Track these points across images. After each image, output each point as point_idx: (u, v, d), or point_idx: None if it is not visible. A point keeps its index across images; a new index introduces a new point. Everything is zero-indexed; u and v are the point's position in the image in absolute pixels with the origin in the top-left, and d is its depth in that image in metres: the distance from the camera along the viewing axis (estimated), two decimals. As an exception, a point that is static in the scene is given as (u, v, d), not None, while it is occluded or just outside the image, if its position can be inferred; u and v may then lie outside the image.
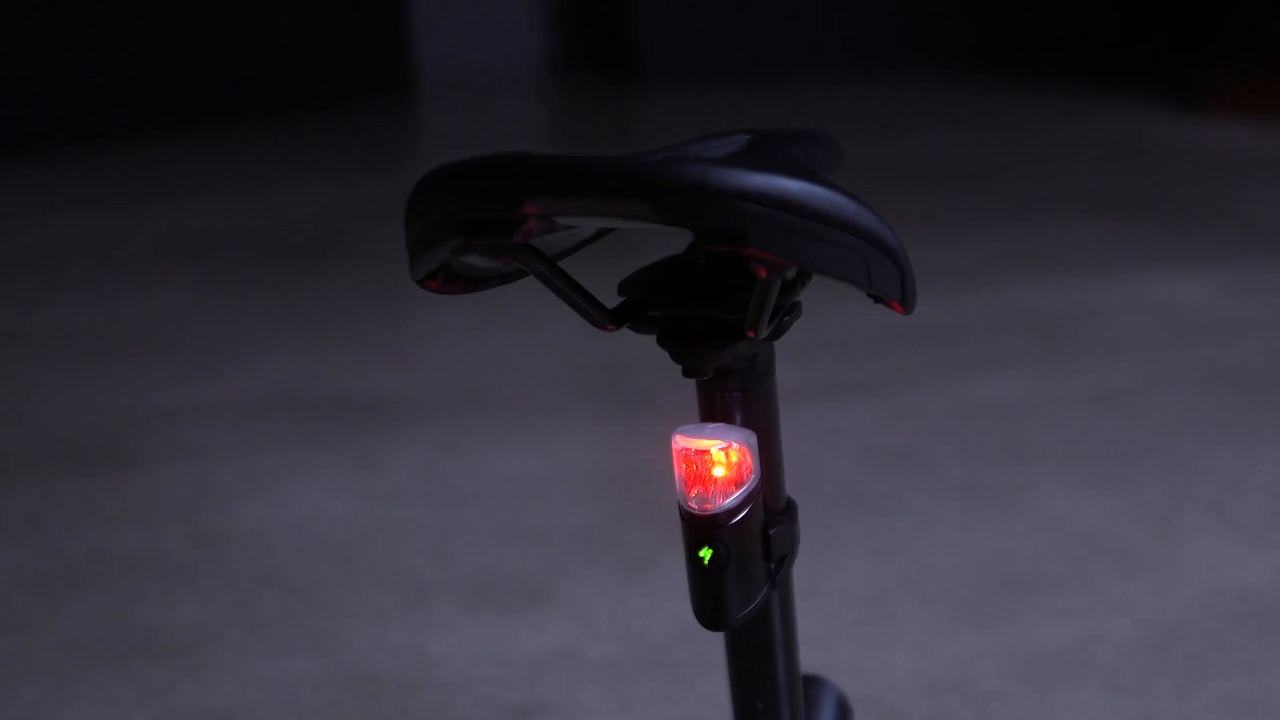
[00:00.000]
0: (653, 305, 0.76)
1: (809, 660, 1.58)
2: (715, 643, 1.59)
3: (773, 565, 0.83)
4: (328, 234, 3.80)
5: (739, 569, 0.80)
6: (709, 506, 0.78)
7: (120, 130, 5.22)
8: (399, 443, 2.24)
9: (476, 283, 0.77)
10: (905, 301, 0.70)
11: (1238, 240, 3.55)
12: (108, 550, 1.87)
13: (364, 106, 6.17)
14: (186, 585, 1.77)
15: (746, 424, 0.80)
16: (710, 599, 0.81)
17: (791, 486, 2.11)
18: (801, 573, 1.78)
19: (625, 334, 2.48)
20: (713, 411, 0.80)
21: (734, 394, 0.80)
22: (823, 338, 2.75)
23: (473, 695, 1.52)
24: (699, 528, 0.79)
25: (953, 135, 5.36)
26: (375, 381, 2.56)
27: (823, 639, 1.62)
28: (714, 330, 0.75)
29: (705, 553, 0.79)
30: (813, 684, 1.08)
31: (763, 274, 0.66)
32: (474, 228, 0.67)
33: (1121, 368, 2.57)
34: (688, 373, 0.77)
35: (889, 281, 0.69)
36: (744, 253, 0.64)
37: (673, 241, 0.90)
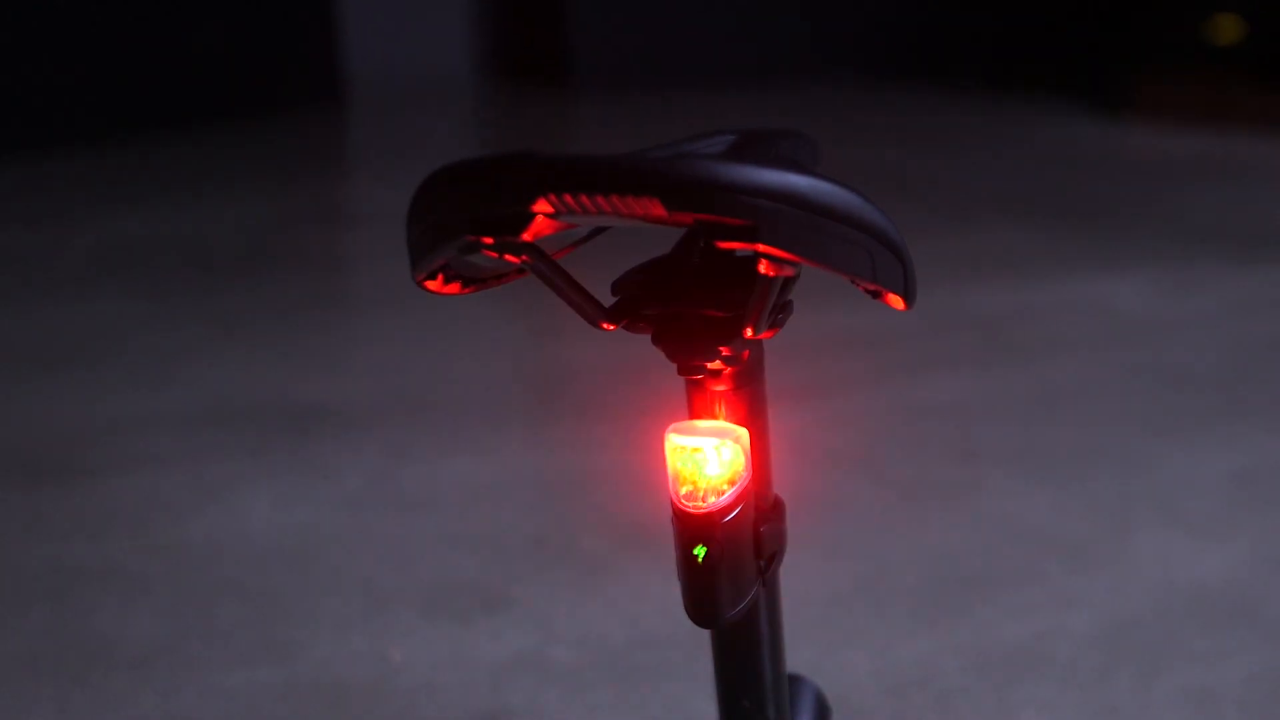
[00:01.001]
0: (648, 304, 0.76)
1: (770, 660, 1.58)
2: (675, 647, 1.60)
3: (762, 563, 0.83)
4: (260, 243, 3.77)
5: (731, 567, 0.80)
6: (703, 504, 0.78)
7: (46, 141, 5.16)
8: (347, 451, 2.23)
9: (473, 282, 0.77)
10: (907, 295, 0.71)
11: (1166, 242, 3.60)
12: (60, 562, 1.85)
13: (294, 115, 6.13)
14: (142, 596, 1.76)
15: (737, 422, 0.80)
16: (704, 596, 0.81)
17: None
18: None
19: (568, 340, 2.51)
20: (704, 409, 0.80)
21: (725, 392, 0.80)
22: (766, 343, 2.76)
23: (437, 701, 1.51)
24: (693, 526, 0.79)
25: (883, 141, 5.40)
26: (318, 390, 2.55)
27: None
28: (709, 329, 0.75)
29: (700, 550, 0.79)
30: (792, 682, 1.08)
31: (768, 270, 0.67)
32: (483, 225, 0.67)
33: (1062, 367, 2.61)
34: (683, 370, 0.77)
35: (892, 276, 0.69)
36: (754, 248, 0.64)
37: (659, 242, 0.91)
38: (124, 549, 1.89)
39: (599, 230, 0.78)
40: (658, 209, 0.63)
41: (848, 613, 1.69)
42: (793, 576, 1.77)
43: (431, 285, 0.76)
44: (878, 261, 0.68)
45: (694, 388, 0.80)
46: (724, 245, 0.64)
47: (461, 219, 0.67)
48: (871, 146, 5.21)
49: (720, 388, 0.79)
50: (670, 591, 1.72)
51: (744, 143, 0.79)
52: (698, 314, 0.75)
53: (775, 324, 0.75)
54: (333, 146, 5.85)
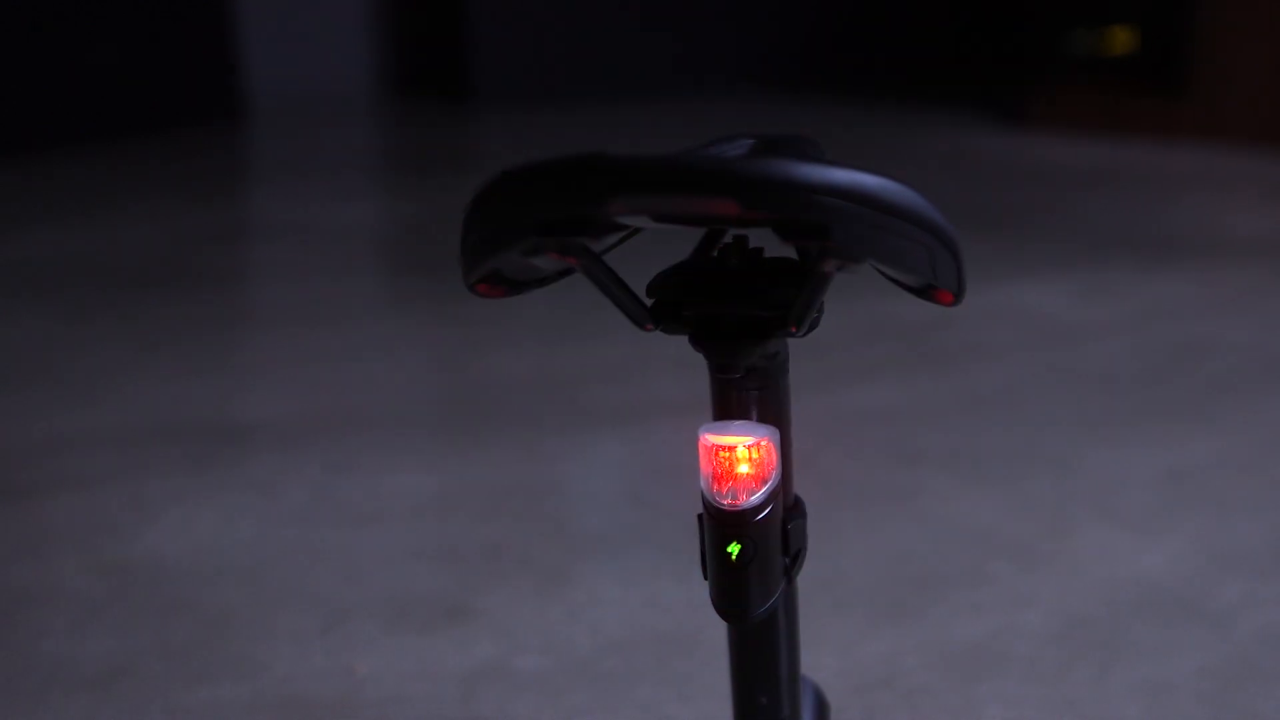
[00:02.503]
0: (686, 305, 0.77)
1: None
2: (643, 653, 1.61)
3: (787, 560, 0.85)
4: (172, 261, 3.73)
5: (762, 564, 0.82)
6: (738, 502, 0.80)
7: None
8: (287, 466, 2.22)
9: (519, 286, 0.78)
10: (959, 290, 0.73)
11: (1075, 248, 3.68)
12: (5, 584, 1.82)
13: (193, 132, 6.07)
14: (93, 617, 1.73)
15: (767, 420, 0.82)
16: (735, 593, 0.82)
17: (686, 498, 2.14)
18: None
19: (504, 352, 2.51)
20: (735, 409, 0.82)
21: (756, 391, 0.82)
22: (690, 354, 2.78)
23: (407, 713, 1.51)
24: (728, 523, 0.81)
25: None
26: (252, 407, 2.53)
27: (746, 643, 1.64)
28: (747, 328, 0.77)
29: (734, 548, 0.81)
30: (791, 679, 1.10)
31: (829, 269, 0.68)
32: (554, 227, 0.68)
33: (987, 372, 2.65)
34: (722, 370, 0.79)
35: (948, 273, 0.71)
36: (825, 245, 0.66)
37: (659, 244, 0.92)
38: (69, 570, 1.87)
39: (634, 233, 0.79)
40: (732, 209, 0.65)
41: (810, 613, 1.70)
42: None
43: (482, 288, 0.76)
44: (937, 259, 0.70)
45: (725, 388, 0.82)
46: (793, 243, 0.66)
47: (531, 220, 0.68)
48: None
49: (751, 388, 0.81)
50: (631, 597, 1.73)
51: (764, 147, 0.81)
52: (739, 314, 0.76)
53: (814, 324, 0.77)
54: (235, 163, 5.79)
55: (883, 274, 0.74)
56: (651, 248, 0.99)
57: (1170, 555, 1.86)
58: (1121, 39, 5.88)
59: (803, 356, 2.86)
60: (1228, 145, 5.24)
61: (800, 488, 2.09)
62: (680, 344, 2.45)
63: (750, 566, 0.81)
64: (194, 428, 2.40)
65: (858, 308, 3.03)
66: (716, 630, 1.66)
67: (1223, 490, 2.08)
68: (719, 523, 0.81)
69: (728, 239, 0.81)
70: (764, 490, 0.80)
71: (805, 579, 1.80)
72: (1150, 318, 3.03)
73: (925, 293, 0.75)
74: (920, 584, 1.79)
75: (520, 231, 0.69)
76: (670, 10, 7.25)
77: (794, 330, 0.75)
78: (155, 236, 4.04)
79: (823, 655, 1.61)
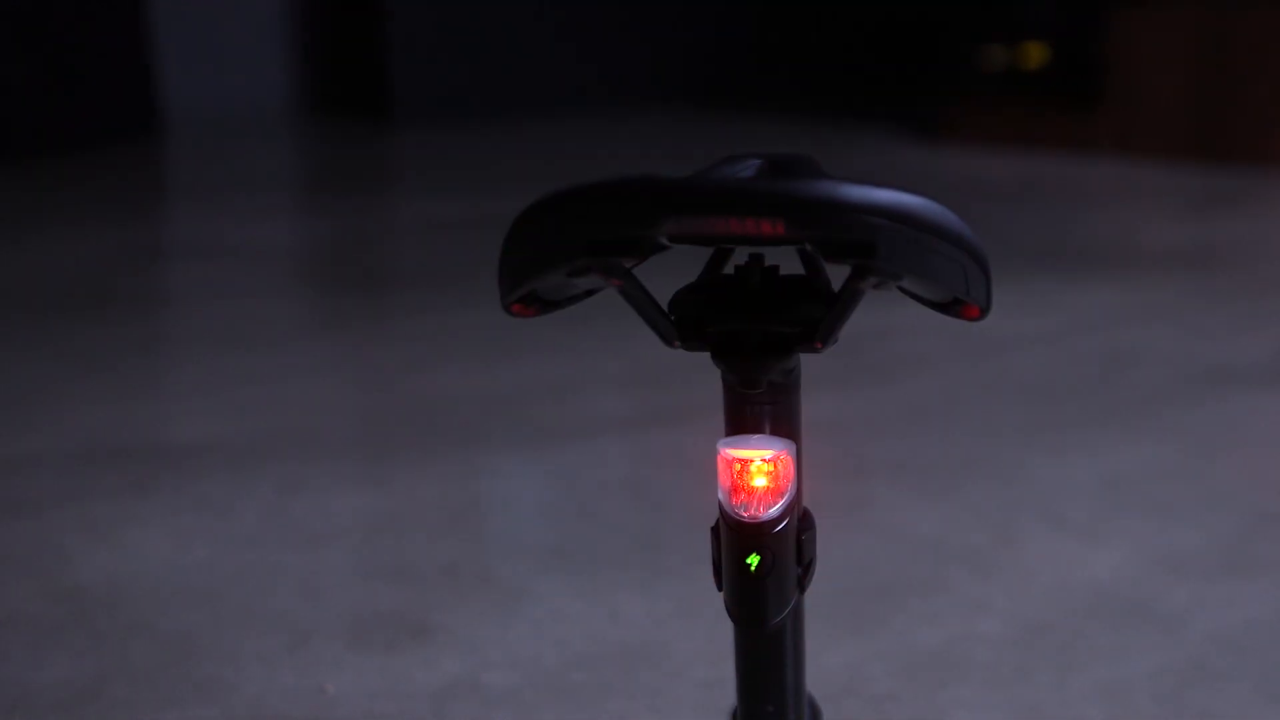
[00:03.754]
0: (712, 322, 0.79)
1: (699, 676, 1.63)
2: (610, 666, 1.63)
3: (800, 570, 0.87)
4: (97, 283, 3.69)
5: (779, 575, 0.84)
6: (759, 515, 0.82)
7: None
8: (237, 487, 2.21)
9: (551, 305, 0.79)
10: (988, 306, 0.76)
11: (997, 262, 3.73)
12: (-43, 611, 1.80)
13: (109, 151, 6.00)
14: (51, 642, 1.72)
15: (782, 434, 0.84)
16: (753, 604, 0.84)
17: (637, 511, 2.15)
18: (676, 594, 1.84)
19: (444, 371, 2.51)
20: (754, 423, 0.84)
21: (772, 406, 0.84)
22: (629, 370, 2.81)
23: (380, 731, 1.51)
24: (748, 535, 0.83)
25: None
26: (195, 428, 2.51)
27: (711, 654, 1.66)
28: (772, 344, 0.79)
29: (753, 559, 0.83)
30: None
31: (865, 286, 0.71)
32: (604, 248, 0.69)
33: (924, 385, 2.70)
34: (746, 384, 0.81)
35: (979, 288, 0.74)
36: (870, 263, 0.68)
37: (665, 265, 0.94)
38: (22, 595, 1.85)
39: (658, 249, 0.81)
40: (780, 229, 0.67)
41: (769, 626, 1.73)
42: (709, 592, 1.81)
43: (516, 308, 0.78)
44: (970, 276, 0.73)
45: (743, 402, 0.83)
46: (838, 261, 0.68)
47: (583, 241, 0.70)
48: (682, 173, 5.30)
49: (769, 402, 0.83)
50: (594, 612, 1.75)
51: (771, 167, 0.83)
52: (765, 330, 0.78)
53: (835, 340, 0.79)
54: (153, 182, 5.74)
55: (905, 291, 0.76)
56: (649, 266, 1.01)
57: (1117, 560, 1.91)
58: (1035, 55, 5.98)
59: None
60: (1141, 159, 5.35)
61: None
62: (619, 361, 2.49)
63: (769, 577, 0.83)
64: (136, 450, 2.38)
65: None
66: (682, 643, 1.69)
67: (1162, 496, 2.13)
68: (738, 535, 0.83)
69: (740, 257, 0.83)
70: (782, 503, 0.83)
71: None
72: (1078, 328, 3.09)
73: (950, 308, 0.77)
74: (878, 593, 1.82)
75: (571, 251, 0.70)
76: (588, 28, 7.28)
77: (819, 346, 0.77)
78: (77, 257, 4.00)
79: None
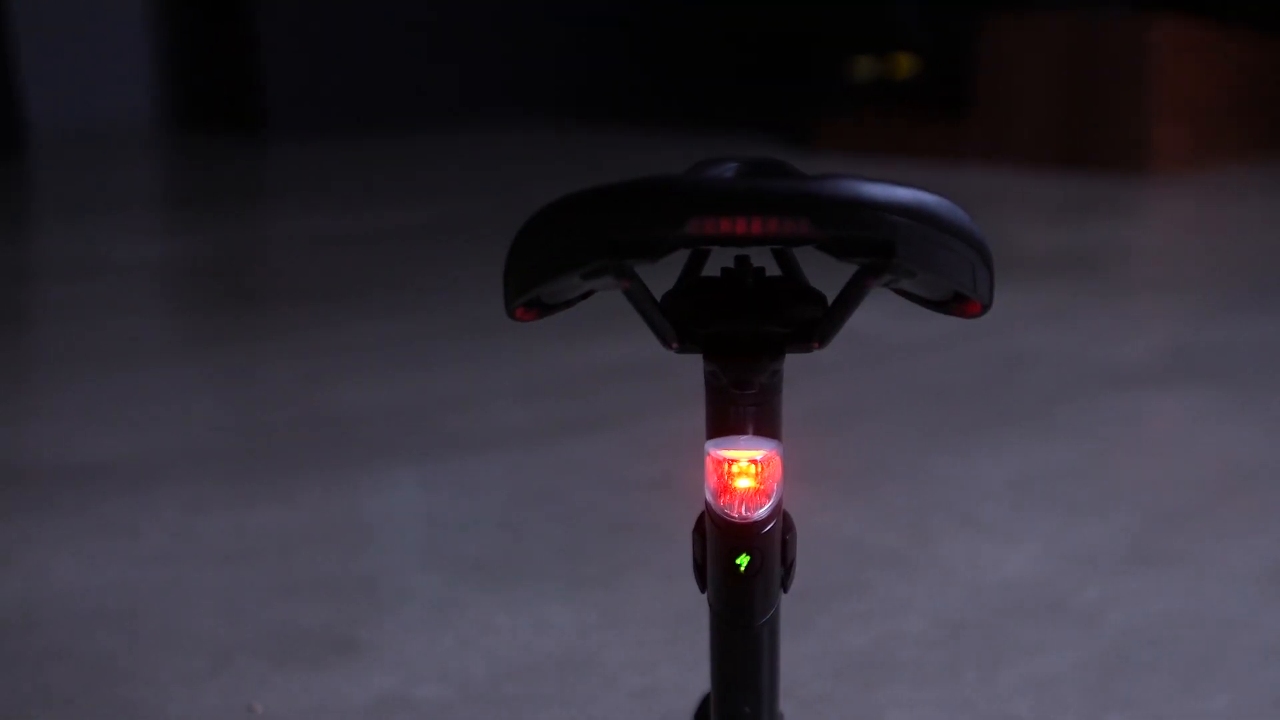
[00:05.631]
0: (707, 323, 0.79)
1: (632, 684, 1.63)
2: (543, 676, 1.62)
3: (783, 571, 0.88)
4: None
5: (766, 574, 0.84)
6: (749, 515, 0.82)
7: None
8: (141, 507, 2.16)
9: (549, 309, 0.79)
10: (990, 303, 0.77)
11: (819, 264, 3.79)
12: None
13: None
14: (-37, 669, 1.67)
15: (769, 434, 0.84)
16: (742, 603, 0.85)
17: (555, 521, 2.14)
18: (600, 603, 1.83)
19: (345, 384, 2.49)
20: (741, 424, 0.84)
21: (758, 408, 0.84)
22: (530, 381, 2.80)
23: (314, 749, 1.49)
24: (736, 535, 0.83)
25: (588, 179, 5.49)
26: (92, 447, 2.46)
27: (641, 662, 1.66)
28: (766, 345, 0.79)
29: (743, 559, 0.83)
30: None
31: (873, 285, 0.71)
32: (625, 250, 0.69)
33: (827, 390, 2.72)
34: (740, 385, 0.81)
35: (984, 285, 0.75)
36: (888, 262, 0.69)
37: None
38: (-73, 621, 1.80)
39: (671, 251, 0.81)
40: (804, 228, 0.67)
41: (697, 631, 1.73)
42: (635, 599, 1.82)
43: (520, 313, 0.77)
44: (977, 273, 0.74)
45: (729, 403, 0.84)
46: (853, 259, 0.69)
47: (602, 242, 0.69)
48: (570, 184, 5.30)
49: (756, 403, 0.83)
50: (520, 623, 1.74)
51: (753, 168, 0.84)
52: (760, 331, 0.79)
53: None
54: (19, 199, 5.61)
55: (901, 290, 0.77)
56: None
57: (1030, 558, 1.94)
58: (905, 65, 6.08)
59: (641, 378, 2.89)
60: (1013, 166, 5.46)
61: (668, 508, 2.12)
62: (519, 372, 2.48)
63: (756, 577, 0.84)
64: (33, 470, 2.32)
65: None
66: (611, 652, 1.68)
67: (1068, 495, 2.17)
68: (727, 535, 0.83)
69: (718, 259, 0.83)
70: (771, 503, 0.83)
71: (683, 597, 1.83)
72: (969, 333, 3.14)
73: (947, 305, 0.78)
74: (801, 596, 1.82)
75: (592, 252, 0.70)
76: (463, 41, 7.25)
77: (817, 346, 0.77)
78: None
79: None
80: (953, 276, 0.73)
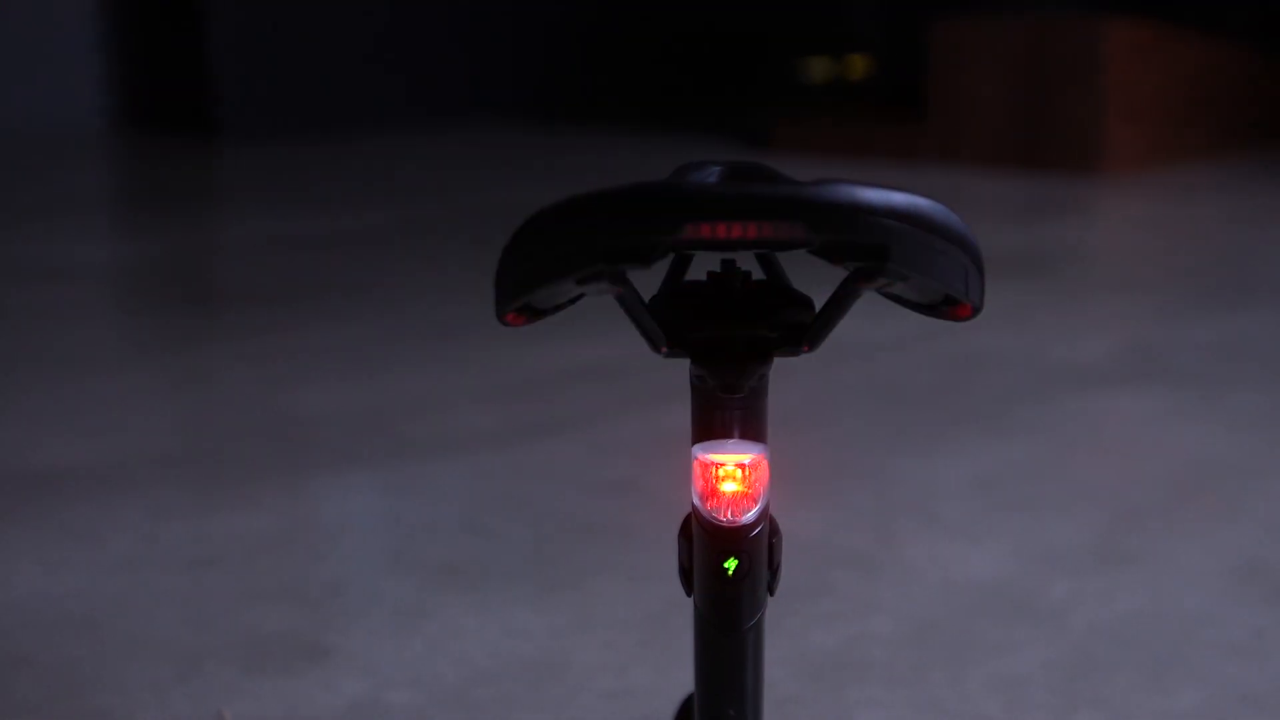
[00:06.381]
0: (695, 327, 0.80)
1: (604, 687, 1.63)
2: (514, 680, 1.62)
3: (769, 574, 0.88)
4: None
5: (754, 578, 0.84)
6: (737, 519, 0.82)
7: None
8: (104, 513, 2.15)
9: (539, 314, 0.79)
10: (980, 305, 0.77)
11: (839, 271, 3.80)
12: None
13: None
14: (-73, 678, 1.65)
15: (753, 437, 0.84)
16: (730, 607, 0.85)
17: (521, 524, 2.15)
18: (569, 606, 1.83)
19: (303, 389, 2.48)
20: (728, 428, 0.84)
21: (744, 411, 0.84)
22: (490, 385, 2.80)
23: (286, 756, 1.48)
24: (724, 539, 0.83)
25: (545, 182, 5.49)
26: (54, 453, 2.44)
27: (613, 665, 1.66)
28: (756, 348, 0.79)
29: (731, 563, 0.83)
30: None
31: (866, 288, 0.72)
32: (620, 255, 0.69)
33: (785, 392, 2.73)
34: (729, 389, 0.81)
35: (975, 288, 0.75)
36: (882, 266, 0.69)
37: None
38: (-111, 630, 1.78)
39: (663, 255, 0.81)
40: (800, 232, 0.67)
41: (668, 632, 1.74)
42: (604, 602, 1.82)
43: (510, 318, 0.77)
44: (969, 277, 0.74)
45: (716, 407, 0.84)
46: (846, 263, 0.69)
47: (598, 248, 0.69)
48: (528, 186, 5.30)
49: (743, 407, 0.83)
50: (489, 627, 1.74)
51: (735, 171, 0.84)
52: (750, 335, 0.79)
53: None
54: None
55: (891, 295, 0.78)
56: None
57: (994, 558, 1.95)
58: (859, 66, 6.11)
59: (597, 382, 2.89)
60: (966, 167, 5.49)
61: (632, 511, 2.13)
62: (478, 376, 2.47)
63: (744, 581, 0.84)
64: (-7, 477, 2.30)
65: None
66: (582, 654, 1.68)
67: (1030, 494, 2.19)
68: (715, 539, 0.83)
69: (702, 264, 0.83)
70: (758, 506, 0.83)
71: (654, 599, 1.83)
72: (926, 334, 3.15)
73: (938, 309, 0.79)
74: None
75: (587, 258, 0.70)
76: (414, 44, 7.23)
77: (807, 349, 0.78)
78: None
79: (688, 673, 1.64)
80: (945, 280, 0.73)
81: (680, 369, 2.86)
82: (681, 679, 1.63)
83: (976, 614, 1.78)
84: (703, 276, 0.72)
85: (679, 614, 1.79)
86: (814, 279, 3.65)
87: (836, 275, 3.73)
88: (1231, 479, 2.27)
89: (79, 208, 5.19)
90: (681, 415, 2.58)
